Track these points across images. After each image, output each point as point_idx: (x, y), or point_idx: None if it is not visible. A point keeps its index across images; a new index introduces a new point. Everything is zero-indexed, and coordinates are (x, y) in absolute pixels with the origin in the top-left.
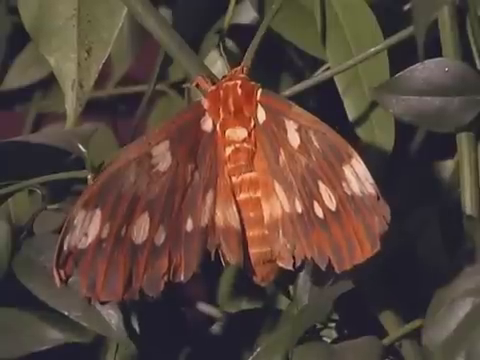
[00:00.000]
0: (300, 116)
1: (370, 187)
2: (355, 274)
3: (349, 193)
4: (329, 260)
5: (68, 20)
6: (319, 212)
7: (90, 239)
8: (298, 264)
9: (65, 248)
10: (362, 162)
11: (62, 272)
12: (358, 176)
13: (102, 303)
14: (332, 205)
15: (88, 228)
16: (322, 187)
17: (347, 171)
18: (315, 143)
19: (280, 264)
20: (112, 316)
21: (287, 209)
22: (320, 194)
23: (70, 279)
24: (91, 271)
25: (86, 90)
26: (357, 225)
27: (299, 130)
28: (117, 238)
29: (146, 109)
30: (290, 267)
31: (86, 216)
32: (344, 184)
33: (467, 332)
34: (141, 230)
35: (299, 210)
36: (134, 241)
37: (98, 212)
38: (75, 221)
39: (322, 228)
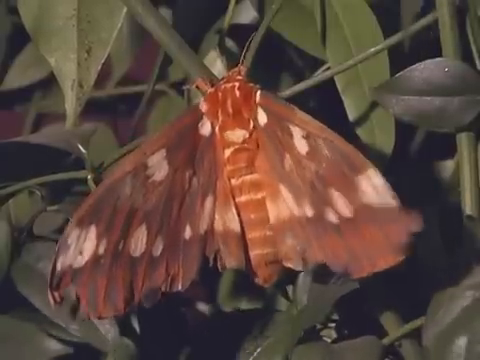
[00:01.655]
0: (307, 123)
1: (390, 198)
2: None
3: (366, 203)
4: (345, 265)
5: (68, 20)
6: (332, 218)
7: (86, 257)
8: (310, 266)
9: (59, 269)
10: (379, 172)
11: (56, 294)
12: (376, 187)
13: (100, 319)
14: (348, 212)
15: (83, 246)
16: (336, 194)
17: (363, 182)
18: (325, 152)
19: (287, 265)
20: (109, 330)
21: (296, 212)
22: (333, 201)
23: (68, 290)
24: (90, 288)
25: (86, 90)
26: (377, 234)
27: (307, 137)
28: (115, 253)
29: (146, 109)
30: (299, 268)
31: (81, 234)
32: (360, 193)
33: (466, 323)
34: (139, 242)
35: (309, 214)
36: (132, 254)
37: (93, 228)
38: (69, 240)
39: (336, 234)
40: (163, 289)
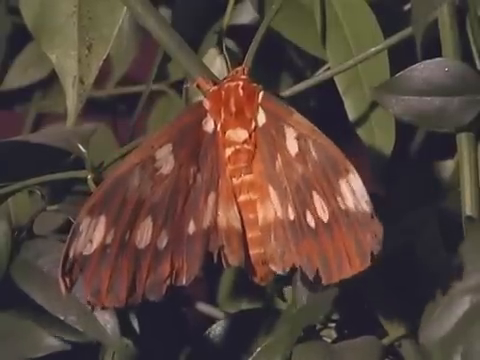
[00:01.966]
0: (300, 124)
1: (365, 204)
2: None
3: (343, 207)
4: (317, 271)
5: (69, 17)
6: (311, 222)
7: (95, 245)
8: (287, 270)
9: (71, 255)
10: (359, 178)
11: (67, 279)
12: (354, 192)
13: (103, 308)
14: (325, 217)
15: (93, 234)
16: (316, 197)
17: (343, 185)
18: (313, 153)
19: (272, 267)
20: (108, 322)
21: (279, 214)
22: (313, 204)
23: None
24: (95, 277)
25: (87, 87)
26: (348, 240)
27: (298, 138)
28: (121, 243)
29: (146, 109)
30: (280, 271)
31: (91, 223)
32: (339, 198)
33: (465, 330)
34: (144, 234)
35: (291, 217)
36: (137, 246)
37: (103, 218)
38: (80, 228)
39: (312, 238)
40: (168, 283)
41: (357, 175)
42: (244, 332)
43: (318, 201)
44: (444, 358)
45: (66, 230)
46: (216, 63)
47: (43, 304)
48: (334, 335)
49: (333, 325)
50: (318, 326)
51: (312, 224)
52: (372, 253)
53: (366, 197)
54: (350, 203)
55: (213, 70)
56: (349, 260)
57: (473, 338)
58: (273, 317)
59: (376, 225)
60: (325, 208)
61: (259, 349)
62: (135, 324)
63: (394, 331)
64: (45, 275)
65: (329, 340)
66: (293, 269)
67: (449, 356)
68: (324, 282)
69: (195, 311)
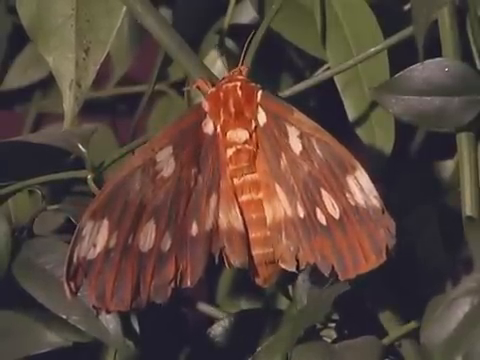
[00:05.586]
0: (302, 123)
1: (375, 200)
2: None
3: (353, 204)
4: (332, 267)
5: (66, 20)
6: (322, 219)
7: (98, 249)
8: (302, 268)
9: (74, 260)
10: (366, 174)
11: (72, 284)
12: (362, 188)
13: (108, 313)
14: (335, 213)
15: (96, 238)
16: (325, 195)
17: (351, 182)
18: (318, 151)
19: (283, 266)
20: (110, 321)
21: (289, 213)
22: (323, 201)
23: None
24: (100, 281)
25: (84, 90)
26: (362, 236)
27: (301, 137)
28: (124, 247)
29: (146, 109)
30: (293, 269)
31: (94, 227)
32: (348, 195)
33: (466, 332)
34: (147, 237)
35: (301, 215)
36: (141, 249)
37: (105, 222)
38: (83, 232)
39: (325, 235)
40: (172, 286)
41: (363, 171)
42: (244, 332)
43: (327, 198)
44: (449, 356)
45: (66, 230)
46: (217, 64)
47: (45, 303)
48: (334, 335)
49: (333, 325)
50: (318, 326)
51: (323, 221)
52: (387, 247)
53: (375, 192)
54: (359, 199)
55: (214, 71)
56: (364, 256)
57: (475, 340)
58: (273, 317)
59: (388, 219)
60: (335, 205)
61: (259, 349)
62: (135, 324)
63: (394, 331)
64: (47, 274)
65: (329, 340)
66: (303, 268)
67: (451, 358)
68: (340, 278)
69: (195, 311)
